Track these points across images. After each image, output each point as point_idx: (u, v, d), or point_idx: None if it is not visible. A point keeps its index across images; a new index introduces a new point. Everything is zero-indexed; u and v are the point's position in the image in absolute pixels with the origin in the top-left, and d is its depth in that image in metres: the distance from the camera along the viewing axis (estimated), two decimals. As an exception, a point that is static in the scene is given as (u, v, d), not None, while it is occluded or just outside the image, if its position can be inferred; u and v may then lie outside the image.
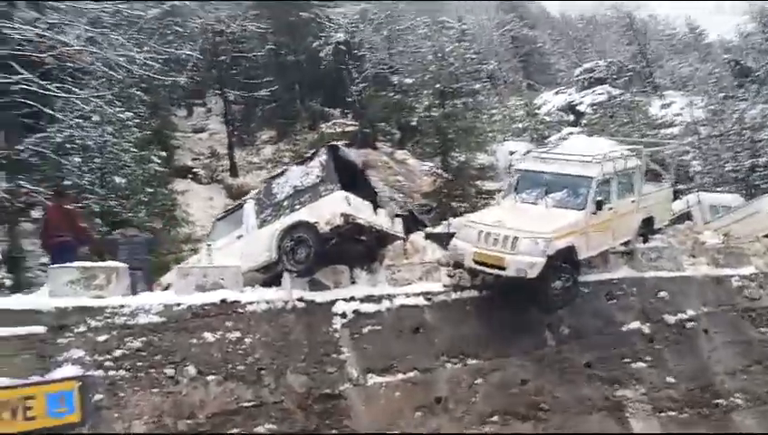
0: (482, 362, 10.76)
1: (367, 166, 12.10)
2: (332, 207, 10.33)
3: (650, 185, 13.85)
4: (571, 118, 46.61)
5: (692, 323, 12.01)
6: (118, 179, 22.56)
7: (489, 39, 59.29)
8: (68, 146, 23.00)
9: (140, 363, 9.00)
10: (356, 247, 11.01)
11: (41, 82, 21.38)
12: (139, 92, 32.41)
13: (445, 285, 11.25)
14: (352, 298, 10.64)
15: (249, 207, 11.36)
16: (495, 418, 10.39)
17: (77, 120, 22.48)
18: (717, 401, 11.40)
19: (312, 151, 11.24)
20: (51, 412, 8.30)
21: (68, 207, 11.20)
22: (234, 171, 36.44)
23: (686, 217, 16.61)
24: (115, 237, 12.16)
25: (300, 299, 10.39)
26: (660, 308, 12.03)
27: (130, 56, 24.81)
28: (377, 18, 40.49)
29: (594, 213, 11.23)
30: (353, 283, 11.12)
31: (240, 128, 41.89)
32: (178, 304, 9.63)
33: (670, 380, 11.37)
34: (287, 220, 10.68)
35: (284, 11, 42.53)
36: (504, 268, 10.55)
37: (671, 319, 11.93)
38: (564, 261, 10.82)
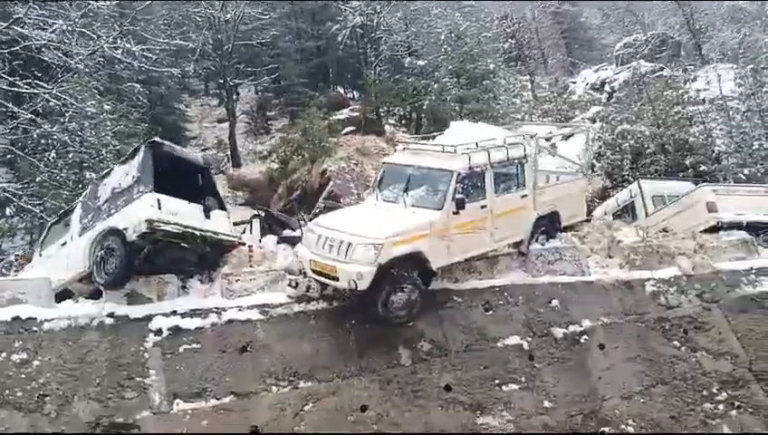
0: (317, 384, 9.46)
1: (210, 163, 10.83)
2: (139, 212, 9.26)
3: (564, 176, 12.14)
4: (605, 96, 43.66)
5: (585, 336, 10.31)
6: (88, 174, 22.31)
7: (523, 15, 56.46)
8: (43, 142, 22.90)
9: None
10: (184, 255, 9.90)
11: (8, 78, 21.28)
12: (137, 84, 32.39)
13: (289, 296, 10.00)
14: (174, 312, 9.57)
15: (76, 211, 10.44)
16: (321, 450, 9.12)
17: (36, 115, 22.33)
18: (604, 428, 9.70)
19: (134, 149, 10.18)
20: None
21: None
22: (236, 161, 35.92)
23: (631, 209, 14.64)
24: None
25: (111, 314, 9.40)
26: (549, 320, 10.40)
27: (127, 49, 24.57)
28: (392, -1, 38.94)
29: (456, 213, 9.70)
30: (187, 294, 10.05)
31: (254, 116, 41.55)
32: (-38, 323, 8.81)
33: (547, 404, 9.75)
34: (100, 227, 9.70)
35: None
36: (337, 279, 9.24)
37: (560, 332, 10.29)
38: (410, 269, 9.38)
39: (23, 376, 8.71)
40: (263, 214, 12.27)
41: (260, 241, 11.08)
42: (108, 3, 24.42)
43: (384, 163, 11.11)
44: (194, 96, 45.63)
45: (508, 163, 10.61)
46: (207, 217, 9.99)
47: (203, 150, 38.55)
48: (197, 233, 9.70)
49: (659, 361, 10.27)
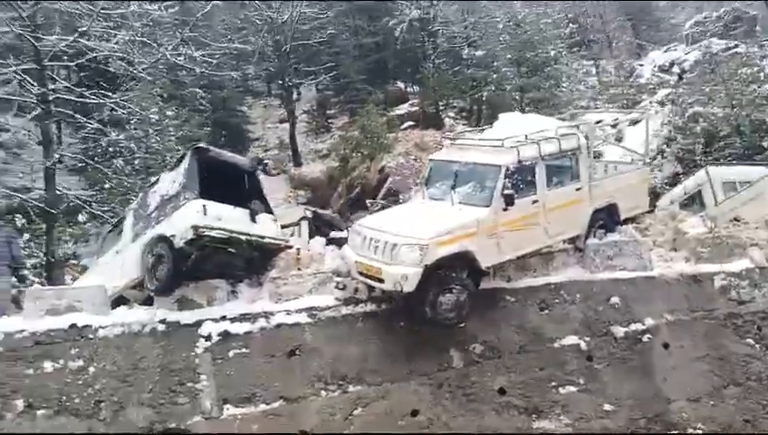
0: (366, 388, 9.31)
1: (256, 167, 10.81)
2: (185, 219, 9.32)
3: (622, 166, 11.56)
4: (674, 78, 41.65)
5: (648, 335, 9.77)
6: (153, 179, 22.88)
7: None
8: (110, 149, 23.76)
9: (-34, 398, 8.55)
10: (232, 260, 9.91)
11: (76, 90, 22.11)
12: (199, 90, 33.12)
13: (337, 299, 9.88)
14: (224, 317, 9.60)
15: (129, 218, 10.63)
16: (371, 455, 8.96)
17: (104, 124, 23.09)
18: (670, 432, 9.16)
19: (181, 155, 10.26)
20: None
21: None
22: (297, 160, 36.27)
23: (698, 197, 13.78)
24: None
25: (162, 320, 9.51)
26: (608, 318, 9.92)
27: (189, 55, 25.19)
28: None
29: (505, 209, 9.33)
30: (237, 299, 10.08)
31: (314, 115, 41.88)
32: (21, 331, 9.07)
33: (607, 407, 9.30)
34: (150, 234, 9.82)
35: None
36: (383, 280, 9.05)
37: (620, 331, 9.80)
38: (458, 269, 9.09)
39: (80, 383, 8.89)
40: (310, 215, 12.21)
41: (308, 243, 10.98)
42: (169, 11, 24.93)
43: (430, 160, 10.85)
44: (257, 98, 46.32)
45: (560, 155, 10.15)
46: (254, 221, 9.95)
47: (265, 151, 39.22)
48: (244, 238, 9.67)
49: (731, 360, 9.67)
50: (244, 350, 9.38)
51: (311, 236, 11.44)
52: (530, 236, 9.81)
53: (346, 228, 11.67)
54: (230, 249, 9.69)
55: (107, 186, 22.76)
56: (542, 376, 9.48)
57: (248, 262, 10.12)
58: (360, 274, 9.40)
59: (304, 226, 10.65)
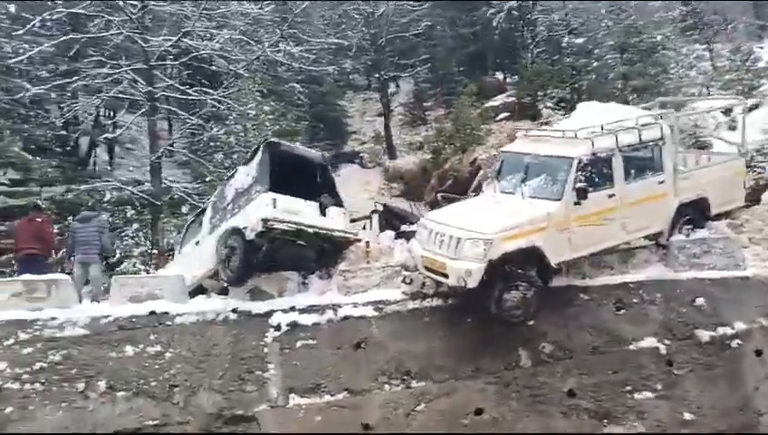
0: (430, 384, 9.19)
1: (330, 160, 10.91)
2: (256, 212, 9.57)
3: (714, 156, 10.75)
4: (796, 61, 38.25)
5: (738, 340, 9.04)
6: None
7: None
8: (212, 144, 24.88)
9: (56, 377, 9.13)
10: (302, 252, 10.09)
11: (180, 88, 23.35)
12: (297, 85, 33.99)
13: (404, 293, 9.82)
14: (293, 308, 9.78)
15: (208, 211, 11.05)
16: (432, 453, 8.85)
17: (206, 120, 24.14)
18: (760, 447, 8.46)
19: (254, 149, 10.52)
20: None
21: (39, 220, 11.68)
22: (392, 153, 36.44)
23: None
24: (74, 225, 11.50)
25: (234, 310, 9.82)
26: (692, 320, 9.27)
27: (287, 51, 26.06)
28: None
29: (578, 203, 8.92)
30: (307, 290, 10.26)
31: (411, 108, 41.92)
32: (107, 316, 9.64)
33: (687, 416, 8.69)
34: (225, 226, 10.17)
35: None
36: (447, 275, 8.90)
37: (705, 335, 9.12)
38: (526, 265, 8.78)
39: (156, 367, 9.32)
40: (381, 209, 12.19)
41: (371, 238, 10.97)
42: (268, 9, 25.62)
43: (502, 152, 10.54)
44: (357, 91, 46.89)
45: (641, 146, 9.55)
46: (323, 214, 10.08)
47: (361, 144, 39.70)
48: (312, 230, 9.80)
49: (835, 371, 8.75)
50: (311, 341, 9.51)
51: (381, 230, 11.44)
52: (605, 232, 9.32)
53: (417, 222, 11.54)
54: (300, 242, 9.86)
55: (208, 179, 23.70)
56: (616, 379, 8.99)
57: (320, 254, 10.26)
58: (426, 268, 9.29)
59: (375, 219, 10.62)
